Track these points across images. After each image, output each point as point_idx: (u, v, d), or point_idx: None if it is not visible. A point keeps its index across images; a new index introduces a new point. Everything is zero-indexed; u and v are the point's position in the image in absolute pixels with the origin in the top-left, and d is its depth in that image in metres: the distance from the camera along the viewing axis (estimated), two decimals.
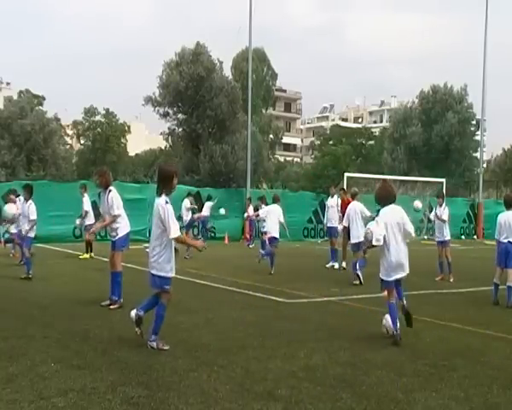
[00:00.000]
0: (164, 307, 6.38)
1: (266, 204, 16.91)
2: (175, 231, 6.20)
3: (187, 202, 18.03)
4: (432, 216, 13.67)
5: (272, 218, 13.94)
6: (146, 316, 6.45)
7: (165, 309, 6.38)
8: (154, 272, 6.34)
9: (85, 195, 16.27)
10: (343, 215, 13.96)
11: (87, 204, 16.19)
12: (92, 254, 16.13)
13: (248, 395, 4.92)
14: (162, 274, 6.31)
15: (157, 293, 6.45)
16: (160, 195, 6.33)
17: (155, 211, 6.32)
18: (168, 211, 6.19)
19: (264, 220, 14.65)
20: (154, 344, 6.26)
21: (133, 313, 6.44)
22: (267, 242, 14.21)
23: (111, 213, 8.74)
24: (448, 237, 13.16)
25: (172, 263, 6.38)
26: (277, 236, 13.89)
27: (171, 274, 6.38)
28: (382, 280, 7.04)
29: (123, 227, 8.85)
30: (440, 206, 13.30)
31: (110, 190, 8.81)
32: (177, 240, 6.34)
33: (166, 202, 6.23)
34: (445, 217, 13.06)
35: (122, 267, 8.97)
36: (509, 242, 9.66)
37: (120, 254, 8.93)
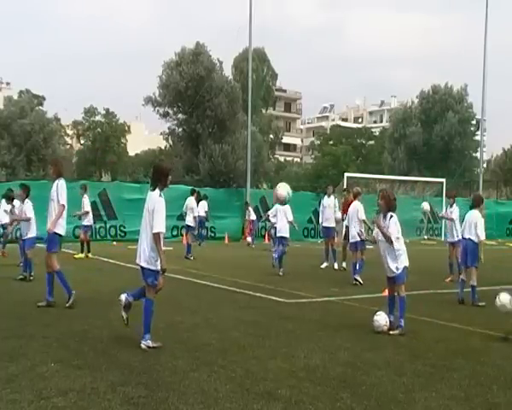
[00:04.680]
0: (151, 301, 6.34)
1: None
2: (160, 227, 6.21)
3: (193, 202, 17.95)
4: (441, 215, 13.84)
5: (280, 217, 13.88)
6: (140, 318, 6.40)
7: (152, 304, 6.33)
8: (144, 265, 6.33)
9: (85, 195, 16.30)
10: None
11: (87, 205, 16.23)
12: (89, 254, 16.11)
13: (248, 395, 4.92)
14: (152, 268, 6.29)
15: (143, 286, 6.44)
16: (153, 189, 6.42)
17: (148, 203, 6.38)
18: (160, 205, 6.28)
19: (274, 217, 14.59)
20: (150, 343, 6.23)
21: (123, 296, 6.48)
22: (277, 242, 13.99)
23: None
24: (459, 238, 12.26)
25: (161, 257, 6.27)
26: (287, 235, 13.75)
27: (159, 268, 6.29)
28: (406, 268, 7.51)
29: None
30: (451, 206, 13.22)
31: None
32: (155, 237, 6.19)
33: (160, 196, 6.34)
34: (454, 216, 12.96)
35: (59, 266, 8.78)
36: (469, 239, 9.86)
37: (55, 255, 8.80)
